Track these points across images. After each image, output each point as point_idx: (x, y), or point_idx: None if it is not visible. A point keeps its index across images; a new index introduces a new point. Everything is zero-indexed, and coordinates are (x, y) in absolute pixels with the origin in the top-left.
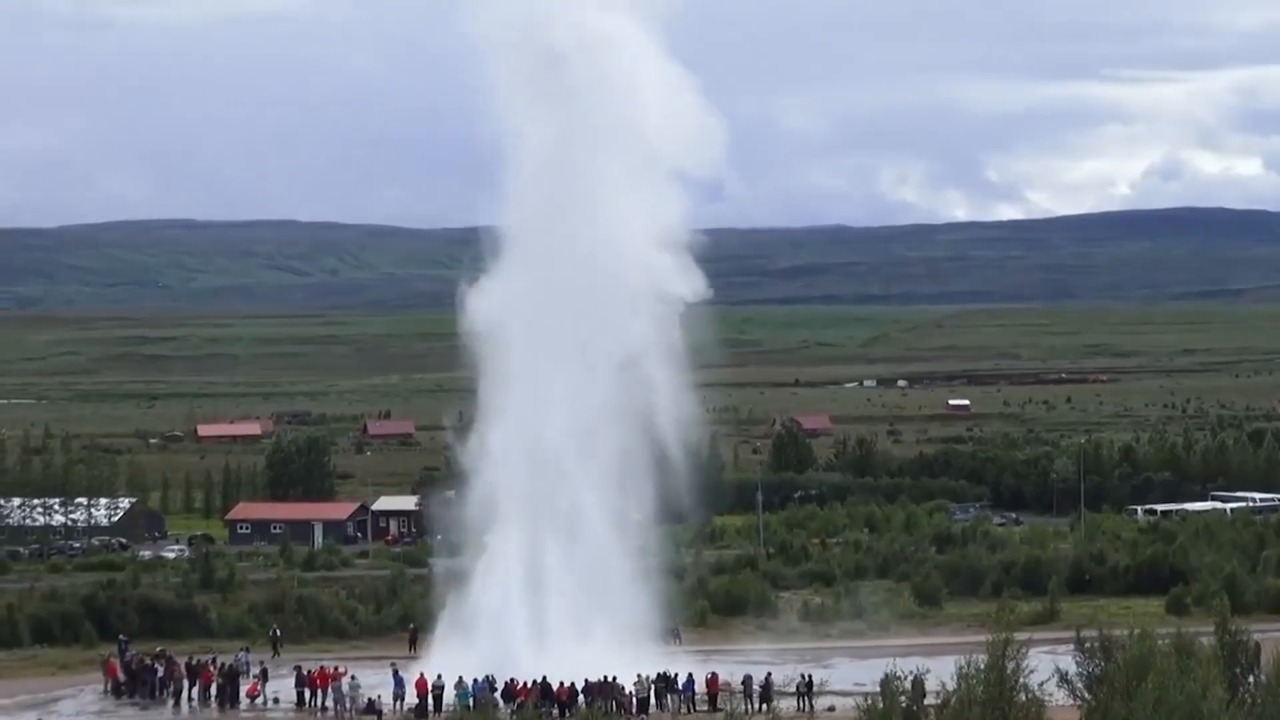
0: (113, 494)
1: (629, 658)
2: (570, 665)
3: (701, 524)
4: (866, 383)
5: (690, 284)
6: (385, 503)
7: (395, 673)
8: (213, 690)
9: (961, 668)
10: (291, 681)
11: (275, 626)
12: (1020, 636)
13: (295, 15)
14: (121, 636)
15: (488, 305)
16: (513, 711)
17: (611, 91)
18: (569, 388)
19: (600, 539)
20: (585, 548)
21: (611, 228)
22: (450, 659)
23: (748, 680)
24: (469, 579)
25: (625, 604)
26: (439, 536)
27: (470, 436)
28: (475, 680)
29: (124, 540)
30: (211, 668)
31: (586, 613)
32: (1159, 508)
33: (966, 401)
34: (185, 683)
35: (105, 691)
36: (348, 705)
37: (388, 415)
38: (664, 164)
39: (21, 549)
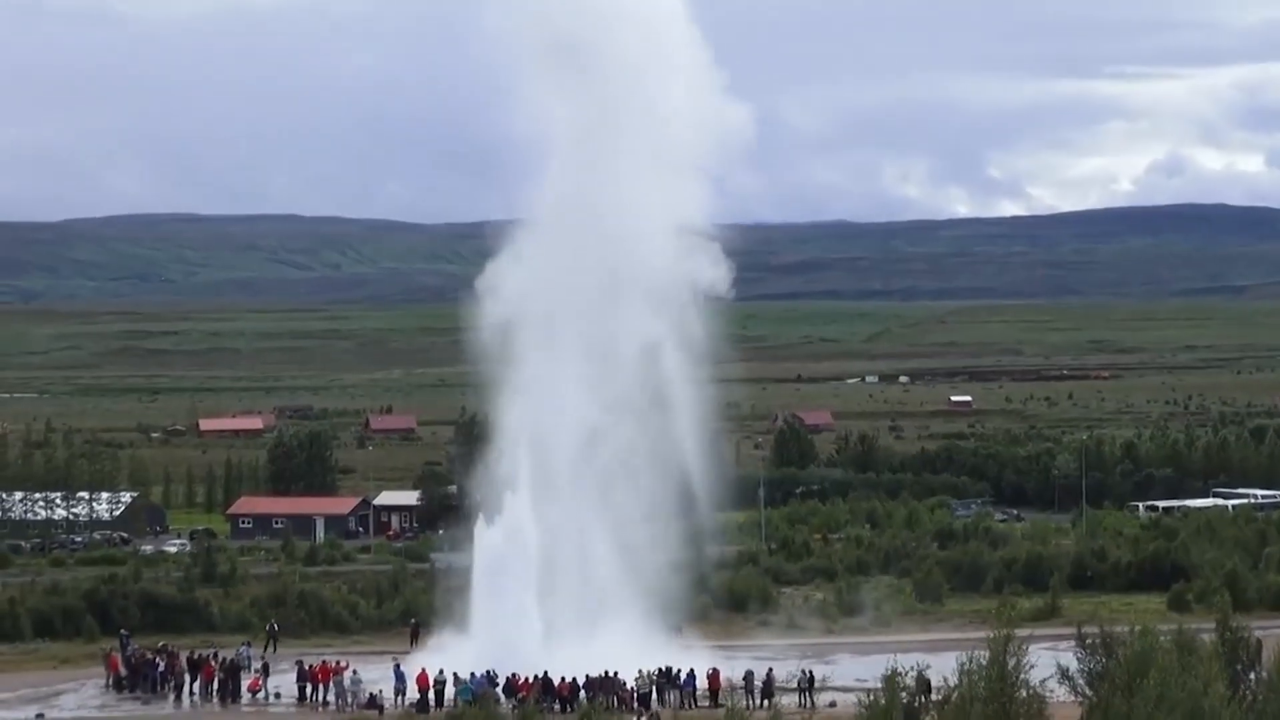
0: (114, 488)
1: (637, 652)
2: (578, 659)
3: (711, 519)
4: (869, 378)
5: (712, 275)
6: (387, 497)
7: (397, 667)
8: (214, 685)
9: (963, 664)
10: (293, 676)
11: (272, 621)
12: (1021, 633)
13: (299, 10)
14: (123, 631)
15: (505, 294)
16: (514, 707)
17: (636, 75)
18: (585, 377)
19: (611, 533)
20: (595, 541)
21: (633, 216)
22: (454, 653)
23: (749, 676)
24: (475, 572)
25: (633, 598)
26: (442, 531)
27: (476, 430)
28: (474, 675)
29: (125, 534)
30: (213, 662)
31: (595, 607)
32: (1160, 504)
33: (968, 398)
34: (186, 677)
35: (107, 686)
36: (349, 700)
37: (389, 410)
38: (689, 151)
39: (23, 543)
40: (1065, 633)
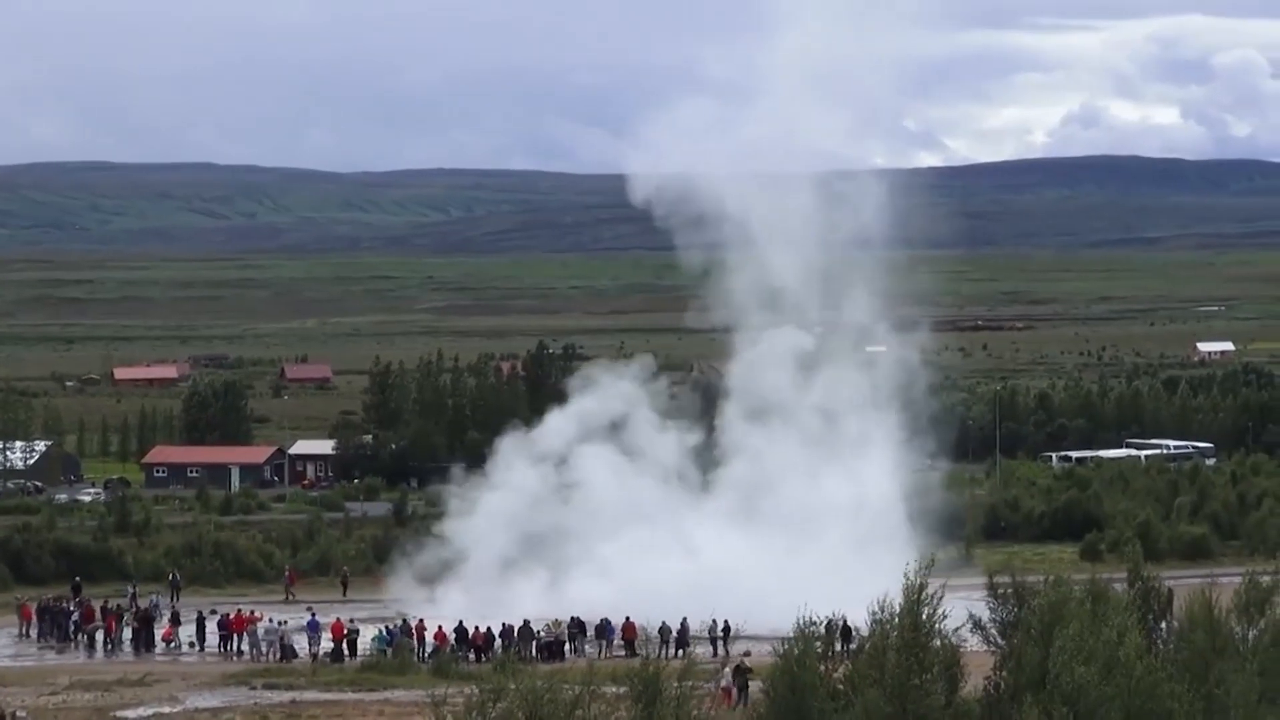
0: (28, 437)
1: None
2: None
3: None
4: None
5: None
6: (302, 446)
7: (312, 617)
8: (126, 634)
9: (875, 613)
10: (210, 626)
11: (174, 571)
12: (935, 582)
13: None
14: (76, 579)
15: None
16: (427, 656)
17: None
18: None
19: None
20: None
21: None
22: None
23: (664, 627)
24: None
25: None
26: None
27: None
28: (386, 628)
29: (39, 483)
30: (127, 611)
31: None
32: (1074, 454)
33: (883, 347)
34: (100, 626)
35: (20, 635)
36: (264, 649)
37: (305, 359)
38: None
39: None
40: (978, 582)
